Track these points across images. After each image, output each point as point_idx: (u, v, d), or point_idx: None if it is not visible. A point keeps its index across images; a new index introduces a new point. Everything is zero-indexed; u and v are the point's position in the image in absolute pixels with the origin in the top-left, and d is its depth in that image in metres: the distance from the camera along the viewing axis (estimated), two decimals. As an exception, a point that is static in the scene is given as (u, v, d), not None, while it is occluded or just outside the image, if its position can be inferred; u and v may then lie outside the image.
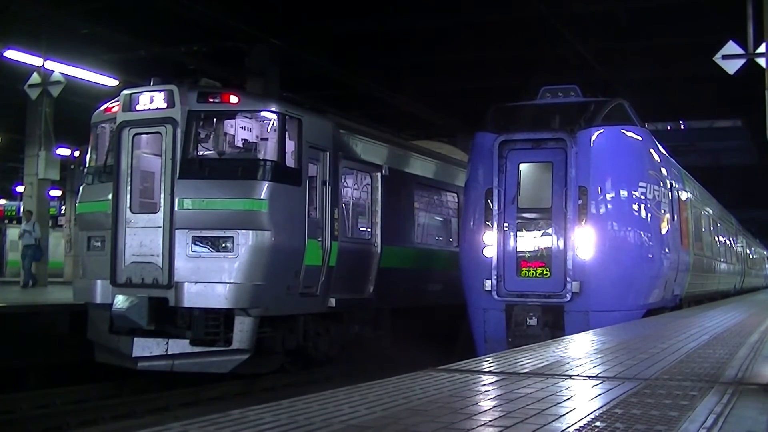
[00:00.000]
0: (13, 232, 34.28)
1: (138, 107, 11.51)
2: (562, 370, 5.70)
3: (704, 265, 17.67)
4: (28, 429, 9.48)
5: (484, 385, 5.15)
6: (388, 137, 16.08)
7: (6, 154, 37.13)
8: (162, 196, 11.24)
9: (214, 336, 10.99)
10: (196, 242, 11.01)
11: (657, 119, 34.31)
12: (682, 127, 42.83)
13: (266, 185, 11.10)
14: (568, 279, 11.16)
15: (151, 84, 11.62)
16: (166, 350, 11.08)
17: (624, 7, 19.24)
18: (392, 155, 14.86)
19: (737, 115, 32.44)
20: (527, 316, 11.36)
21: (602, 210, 11.43)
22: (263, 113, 11.69)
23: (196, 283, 10.88)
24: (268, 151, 11.45)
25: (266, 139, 11.58)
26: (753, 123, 25.53)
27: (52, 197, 33.43)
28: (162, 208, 11.18)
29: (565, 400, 4.44)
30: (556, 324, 11.21)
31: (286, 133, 11.55)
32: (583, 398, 4.55)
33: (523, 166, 11.84)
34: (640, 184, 11.80)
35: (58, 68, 19.04)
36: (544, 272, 11.43)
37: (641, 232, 11.89)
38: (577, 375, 5.50)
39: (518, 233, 11.58)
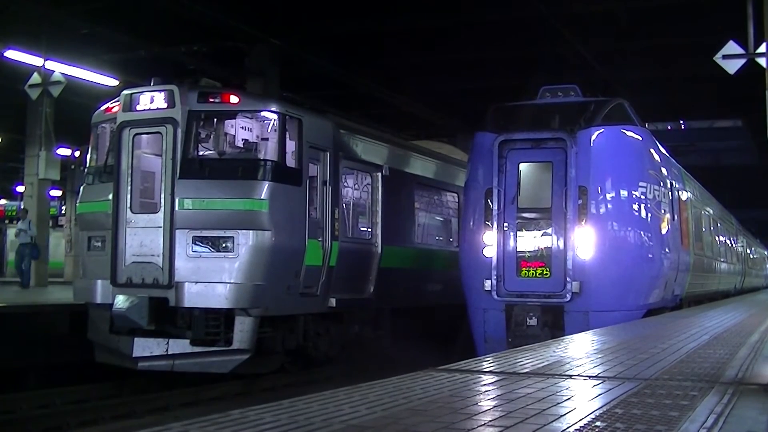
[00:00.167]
0: (13, 232, 34.24)
1: (138, 107, 11.51)
2: (563, 370, 5.70)
3: (704, 265, 17.65)
4: (28, 429, 9.48)
5: (485, 385, 5.15)
6: (388, 137, 16.08)
7: (6, 154, 37.13)
8: (162, 196, 11.23)
9: (214, 336, 10.99)
10: (197, 242, 11.01)
11: (657, 119, 34.22)
12: (682, 127, 42.73)
13: (266, 185, 11.10)
14: (568, 279, 11.16)
15: (152, 84, 11.62)
16: (167, 350, 11.08)
17: (624, 7, 19.24)
18: (392, 155, 14.86)
19: (737, 115, 32.37)
20: (527, 316, 11.36)
21: (602, 210, 11.42)
22: (263, 113, 11.69)
23: (196, 283, 10.88)
24: (269, 151, 11.46)
25: (266, 139, 11.58)
26: (753, 123, 25.50)
27: (53, 197, 33.42)
28: (162, 208, 11.18)
29: (566, 400, 4.44)
30: (556, 324, 11.21)
31: (287, 133, 11.55)
32: (583, 398, 4.55)
33: (523, 166, 11.84)
34: (640, 184, 11.80)
35: (59, 68, 19.07)
36: (544, 272, 11.43)
37: (641, 232, 11.88)
38: (578, 375, 5.50)
39: (518, 233, 11.58)
